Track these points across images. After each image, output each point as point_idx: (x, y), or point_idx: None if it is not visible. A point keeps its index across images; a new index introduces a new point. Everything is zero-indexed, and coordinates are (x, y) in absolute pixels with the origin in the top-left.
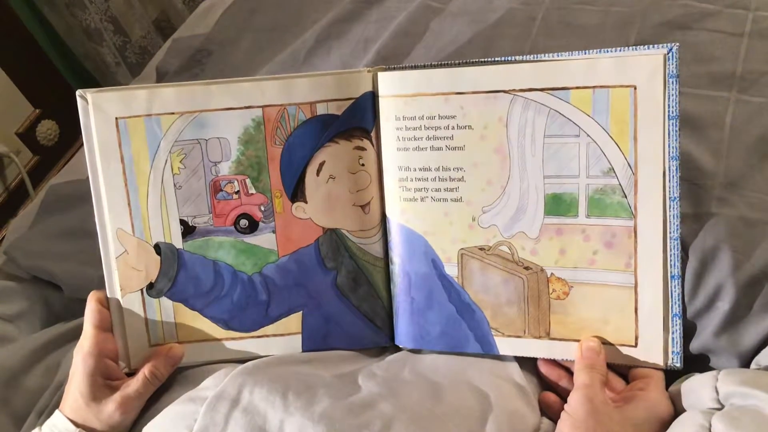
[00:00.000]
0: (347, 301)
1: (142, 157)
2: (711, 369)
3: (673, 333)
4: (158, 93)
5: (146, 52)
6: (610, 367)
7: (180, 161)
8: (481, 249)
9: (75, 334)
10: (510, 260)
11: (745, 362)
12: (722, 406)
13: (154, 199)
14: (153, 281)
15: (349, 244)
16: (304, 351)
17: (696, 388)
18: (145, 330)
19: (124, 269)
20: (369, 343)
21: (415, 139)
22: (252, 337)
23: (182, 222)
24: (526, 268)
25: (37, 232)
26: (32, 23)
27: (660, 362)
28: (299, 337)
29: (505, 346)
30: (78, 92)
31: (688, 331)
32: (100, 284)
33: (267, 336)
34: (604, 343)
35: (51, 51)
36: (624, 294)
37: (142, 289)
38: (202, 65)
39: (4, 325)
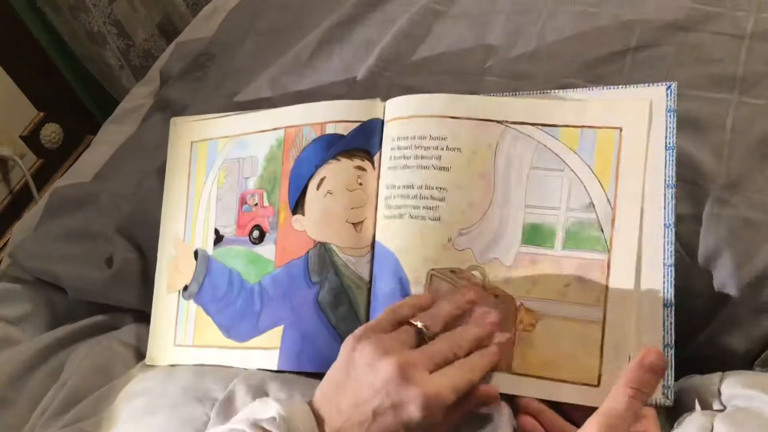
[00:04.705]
0: (325, 319)
1: (201, 174)
2: (713, 371)
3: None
4: (221, 121)
5: (150, 56)
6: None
7: (224, 177)
8: (452, 272)
9: (79, 336)
10: (480, 286)
11: (748, 364)
12: (724, 408)
13: (202, 210)
14: (187, 284)
15: (335, 259)
16: (278, 369)
17: (698, 390)
18: (174, 328)
19: (172, 271)
20: None
21: (404, 158)
22: (241, 347)
23: (216, 231)
24: (496, 296)
25: (42, 235)
26: (36, 26)
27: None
28: (277, 352)
29: None
30: (171, 120)
31: (689, 332)
32: (103, 286)
33: (252, 348)
34: (567, 381)
35: (55, 54)
36: (592, 329)
37: (179, 291)
38: (206, 68)
39: (9, 328)
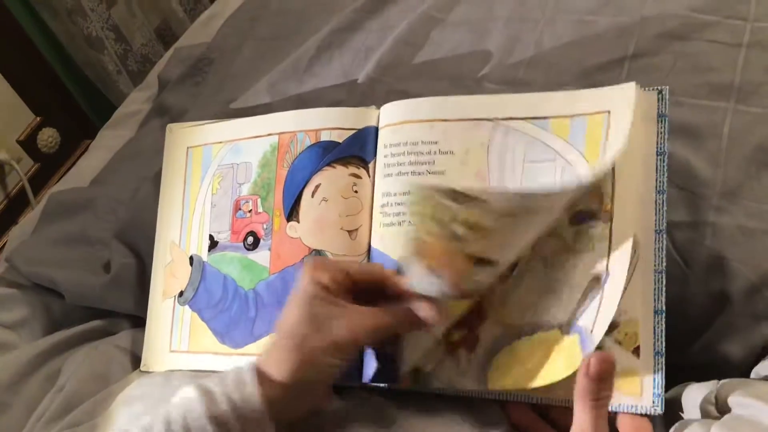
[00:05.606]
0: None
1: (196, 179)
2: (710, 378)
3: (655, 373)
4: (216, 126)
5: (147, 61)
6: None
7: (218, 183)
8: None
9: (76, 341)
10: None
11: (745, 372)
12: (721, 416)
13: (197, 216)
14: (183, 290)
15: None
16: None
17: (695, 397)
18: (170, 334)
19: (168, 277)
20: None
21: (398, 164)
22: (236, 354)
23: (210, 237)
24: None
25: (38, 240)
26: (33, 31)
27: (638, 405)
28: None
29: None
30: (167, 126)
31: (686, 339)
32: (101, 291)
33: (247, 355)
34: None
35: (52, 59)
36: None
37: (174, 297)
38: (204, 73)
39: (5, 333)
